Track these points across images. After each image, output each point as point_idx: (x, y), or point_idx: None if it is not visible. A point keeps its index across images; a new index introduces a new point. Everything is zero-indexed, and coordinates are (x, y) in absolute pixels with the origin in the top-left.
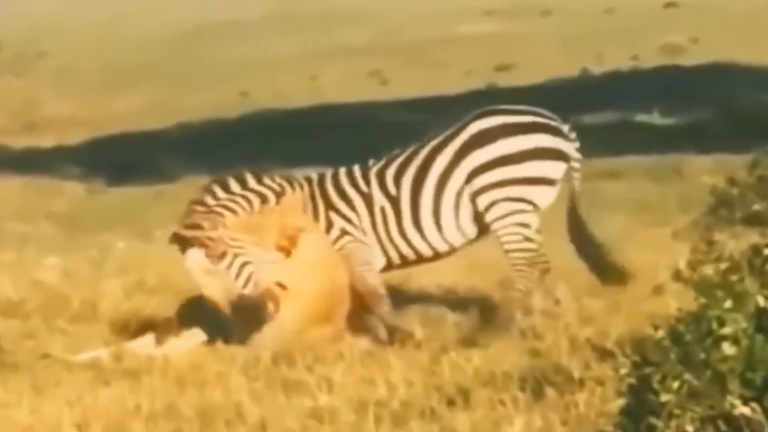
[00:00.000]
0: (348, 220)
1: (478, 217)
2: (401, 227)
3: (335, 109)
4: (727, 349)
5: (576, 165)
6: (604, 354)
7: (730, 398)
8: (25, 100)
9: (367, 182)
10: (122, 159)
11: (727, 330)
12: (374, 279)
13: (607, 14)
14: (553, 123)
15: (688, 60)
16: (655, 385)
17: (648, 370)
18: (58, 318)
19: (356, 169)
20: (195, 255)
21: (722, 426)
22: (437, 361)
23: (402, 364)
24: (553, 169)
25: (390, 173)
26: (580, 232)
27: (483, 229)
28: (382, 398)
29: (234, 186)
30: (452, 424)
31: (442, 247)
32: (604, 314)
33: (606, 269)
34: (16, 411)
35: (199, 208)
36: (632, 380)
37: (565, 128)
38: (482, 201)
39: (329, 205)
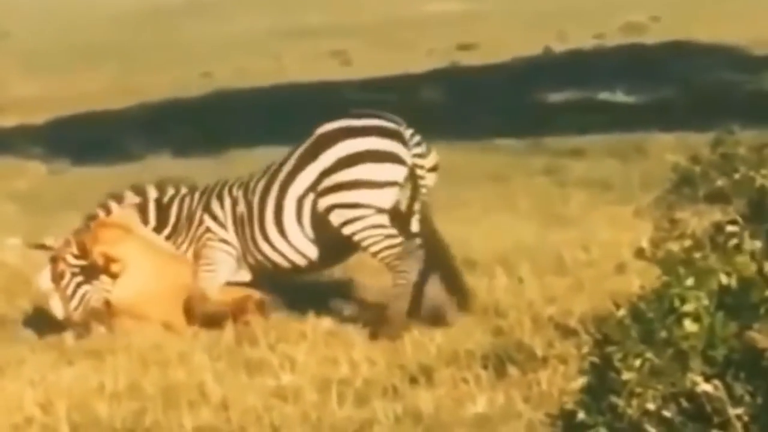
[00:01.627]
0: (214, 218)
1: (320, 222)
2: (253, 234)
3: (298, 89)
4: (689, 326)
5: (421, 171)
6: (566, 332)
7: (691, 376)
8: None
9: (240, 187)
10: (85, 139)
11: (688, 307)
12: (206, 279)
13: None
14: (390, 126)
15: (651, 38)
16: (617, 364)
17: (610, 348)
18: (19, 298)
19: (244, 177)
20: (44, 274)
21: (684, 403)
22: (400, 339)
23: (364, 342)
24: (389, 172)
25: (256, 179)
26: (432, 242)
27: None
28: (345, 377)
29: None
30: (415, 402)
31: (296, 258)
32: (567, 292)
33: (456, 290)
34: None
35: (87, 223)
36: (594, 358)
37: (407, 133)
38: (322, 204)
39: (205, 207)
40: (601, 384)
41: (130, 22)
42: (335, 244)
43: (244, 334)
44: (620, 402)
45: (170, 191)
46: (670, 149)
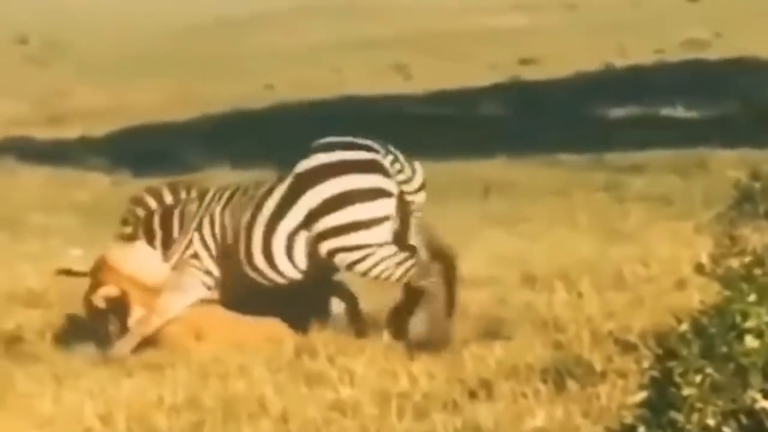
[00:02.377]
0: (204, 244)
1: (320, 262)
2: (239, 264)
3: (359, 102)
4: (750, 342)
5: (409, 197)
6: (626, 347)
7: (751, 392)
8: (50, 91)
9: (226, 210)
10: (146, 150)
11: (750, 323)
12: (174, 302)
13: (631, 8)
14: (367, 158)
15: (712, 54)
16: (677, 379)
17: (670, 363)
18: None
19: (228, 193)
20: None
21: (744, 420)
22: (459, 353)
23: (424, 356)
24: (378, 208)
25: (240, 207)
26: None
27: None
28: (405, 390)
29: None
30: (474, 416)
31: (283, 280)
32: (626, 307)
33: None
34: (38, 402)
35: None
36: (654, 373)
37: (387, 160)
38: (323, 249)
39: (198, 228)
40: (661, 399)
41: (192, 34)
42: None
43: (303, 347)
44: (680, 417)
45: (181, 195)
46: (731, 165)
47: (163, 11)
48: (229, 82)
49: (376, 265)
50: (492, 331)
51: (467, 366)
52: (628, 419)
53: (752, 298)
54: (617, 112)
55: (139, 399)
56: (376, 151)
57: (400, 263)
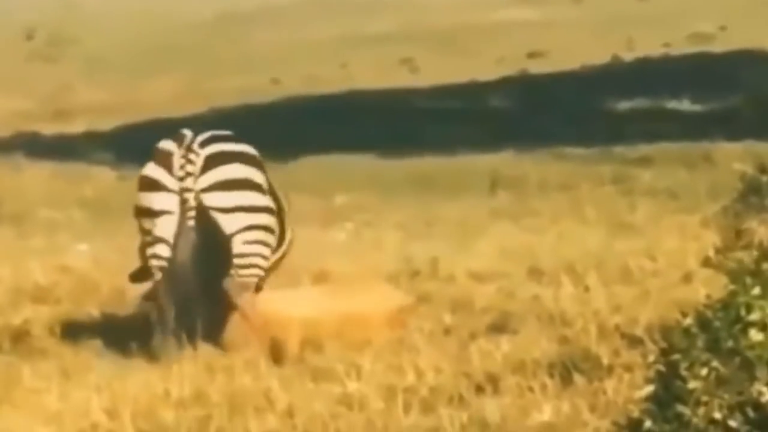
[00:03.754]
0: None
1: None
2: None
3: (366, 96)
4: (755, 335)
5: (188, 194)
6: (632, 341)
7: (757, 385)
8: (57, 86)
9: None
10: (153, 145)
11: (755, 317)
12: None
13: (638, 1)
14: (158, 149)
15: (718, 47)
16: (683, 372)
17: (676, 357)
18: (87, 304)
19: None
20: None
21: (750, 413)
22: (466, 347)
23: (431, 350)
24: (156, 200)
25: None
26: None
27: None
28: (411, 385)
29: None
30: (481, 410)
31: None
32: (633, 301)
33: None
34: (45, 397)
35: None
36: (660, 367)
37: (177, 155)
38: None
39: None
40: (668, 393)
41: (198, 29)
42: None
43: (309, 342)
44: (686, 411)
45: None
46: (737, 158)
47: (168, 7)
48: (235, 77)
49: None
50: (499, 325)
51: (474, 360)
52: (635, 413)
53: (757, 291)
54: (624, 105)
55: (146, 393)
56: (176, 140)
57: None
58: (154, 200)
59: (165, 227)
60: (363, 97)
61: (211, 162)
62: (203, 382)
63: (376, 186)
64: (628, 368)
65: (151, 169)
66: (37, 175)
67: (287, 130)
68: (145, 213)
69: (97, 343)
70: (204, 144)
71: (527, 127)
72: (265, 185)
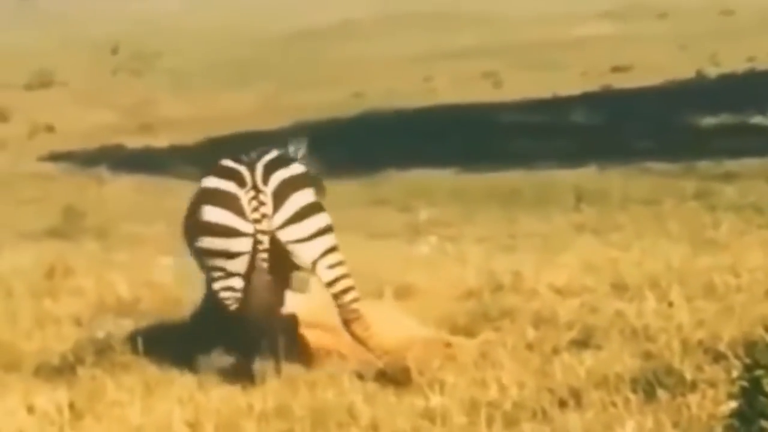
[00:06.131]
0: None
1: None
2: None
3: (449, 110)
4: None
5: (262, 237)
6: (716, 356)
7: None
8: (141, 100)
9: None
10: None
11: None
12: None
13: (722, 16)
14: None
15: None
16: (767, 388)
17: (760, 372)
18: (169, 318)
19: None
20: None
21: None
22: (549, 362)
23: (514, 365)
24: (232, 244)
25: None
26: None
27: None
28: (494, 399)
29: None
30: (564, 425)
31: None
32: (716, 317)
33: None
34: (128, 410)
35: None
36: (744, 383)
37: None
38: None
39: None
40: (751, 408)
41: (279, 43)
42: None
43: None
44: None
45: None
46: None
47: (248, 22)
48: (317, 91)
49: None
50: (582, 340)
51: (557, 375)
52: (718, 429)
53: None
54: (708, 121)
55: (228, 407)
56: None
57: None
58: (231, 244)
59: (239, 265)
60: (446, 111)
61: (280, 197)
62: (286, 396)
63: (459, 200)
64: (712, 384)
65: (220, 215)
66: (121, 189)
67: (370, 144)
68: (217, 254)
69: (179, 356)
70: (266, 177)
71: (611, 142)
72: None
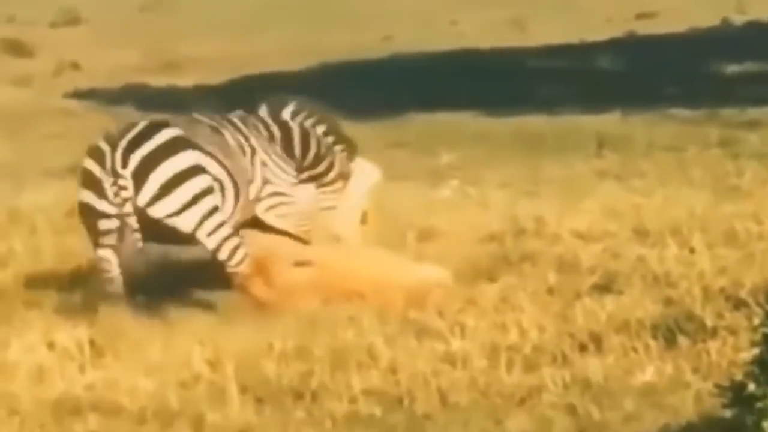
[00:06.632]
0: None
1: None
2: None
3: (475, 54)
4: None
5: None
6: (737, 304)
7: None
8: (166, 38)
9: None
10: (261, 99)
11: None
12: None
13: None
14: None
15: None
16: None
17: None
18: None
19: None
20: None
21: None
22: (570, 306)
23: (535, 309)
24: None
25: None
26: None
27: None
28: (514, 343)
29: None
30: (584, 369)
31: None
32: (738, 264)
33: None
34: (148, 348)
35: None
36: (766, 330)
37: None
38: None
39: None
40: None
41: None
42: None
43: (412, 300)
44: None
45: None
46: None
47: None
48: (346, 33)
49: None
50: (603, 285)
51: (578, 320)
52: (738, 376)
53: None
54: (733, 68)
55: (248, 346)
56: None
57: None
58: (101, 224)
59: (111, 240)
60: (472, 55)
61: (140, 176)
62: (305, 336)
63: (482, 144)
64: (733, 331)
65: (88, 197)
66: None
67: (396, 87)
68: (92, 231)
69: (200, 295)
70: (124, 160)
71: (635, 88)
72: (197, 151)
